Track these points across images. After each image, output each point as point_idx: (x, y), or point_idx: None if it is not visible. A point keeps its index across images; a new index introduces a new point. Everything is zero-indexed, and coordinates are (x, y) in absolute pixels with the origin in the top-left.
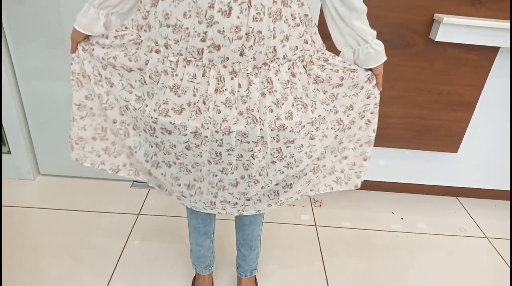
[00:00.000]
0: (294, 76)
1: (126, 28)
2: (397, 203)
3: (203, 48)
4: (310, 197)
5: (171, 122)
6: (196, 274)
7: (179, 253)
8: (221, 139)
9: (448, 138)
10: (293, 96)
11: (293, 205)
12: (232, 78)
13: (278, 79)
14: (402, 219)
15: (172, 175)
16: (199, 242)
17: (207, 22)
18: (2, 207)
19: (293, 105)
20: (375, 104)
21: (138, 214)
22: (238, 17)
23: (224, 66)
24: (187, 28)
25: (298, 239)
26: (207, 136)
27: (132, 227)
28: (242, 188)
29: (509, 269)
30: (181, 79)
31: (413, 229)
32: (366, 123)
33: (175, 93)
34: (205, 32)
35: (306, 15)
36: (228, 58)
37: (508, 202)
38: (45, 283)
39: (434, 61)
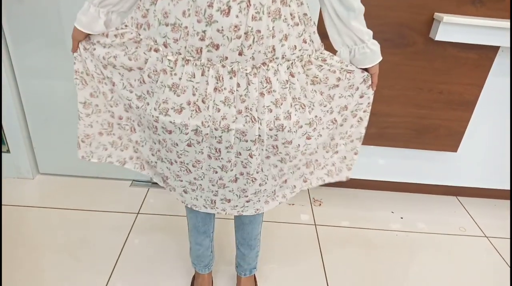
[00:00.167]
0: (293, 76)
1: (126, 26)
2: (396, 202)
3: (201, 47)
4: (309, 196)
5: (171, 122)
6: (196, 273)
7: (179, 252)
8: (220, 137)
9: (448, 138)
10: (292, 97)
11: (293, 204)
12: (231, 78)
13: (277, 79)
14: (401, 218)
15: (174, 171)
16: (199, 241)
17: (206, 21)
18: (2, 206)
19: (291, 105)
20: (368, 103)
21: (138, 213)
22: (237, 16)
23: (223, 66)
24: (186, 27)
25: (298, 238)
26: (207, 134)
27: (132, 226)
28: (241, 184)
29: (508, 268)
30: (180, 79)
31: (413, 228)
32: (358, 121)
33: (174, 93)
34: (204, 31)
35: (305, 14)
36: (227, 58)
37: (508, 201)
38: (45, 282)
39: (434, 60)
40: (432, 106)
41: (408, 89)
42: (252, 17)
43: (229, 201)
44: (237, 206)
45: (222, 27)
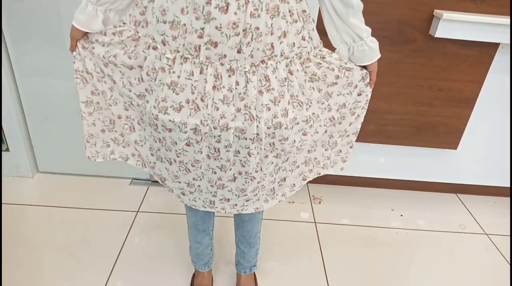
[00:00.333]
0: (291, 74)
1: (124, 23)
2: (396, 200)
3: (200, 45)
4: (309, 194)
5: (170, 120)
6: (196, 271)
7: (178, 250)
8: (219, 136)
9: (448, 135)
10: (290, 94)
11: (293, 202)
12: (229, 76)
13: (276, 77)
14: (401, 216)
15: (172, 172)
16: (198, 239)
17: (204, 18)
18: (2, 205)
19: (289, 102)
20: (366, 101)
21: (137, 212)
22: (235, 13)
23: (222, 64)
24: (184, 25)
25: (298, 236)
26: (206, 133)
27: (131, 225)
28: (239, 183)
29: (508, 265)
30: (178, 77)
31: (413, 226)
32: (356, 118)
33: (173, 91)
34: (202, 29)
35: (304, 11)
36: (225, 55)
37: (508, 199)
38: (44, 280)
39: (434, 57)
40: (432, 103)
41: (408, 87)
42: (250, 14)
43: (228, 200)
44: (236, 204)
45: (220, 24)
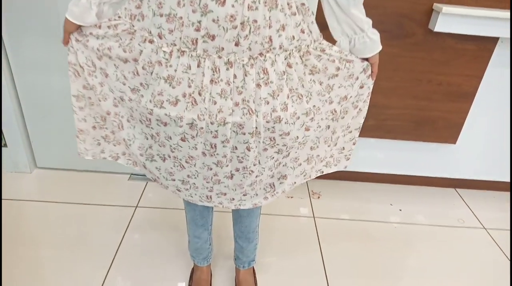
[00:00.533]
0: (290, 67)
1: (119, 17)
2: (395, 195)
3: (197, 38)
4: (308, 189)
5: (166, 114)
6: (195, 265)
7: (177, 245)
8: (216, 131)
9: (446, 130)
10: (289, 88)
11: (291, 197)
12: (227, 69)
13: (274, 70)
14: (400, 210)
15: (166, 169)
16: (197, 234)
17: (201, 11)
18: (0, 200)
19: (288, 96)
20: (368, 93)
21: (136, 207)
22: (233, 6)
23: (219, 57)
24: (181, 18)
25: (297, 231)
26: (202, 128)
27: (130, 220)
28: (237, 180)
29: (507, 259)
30: (175, 70)
31: (412, 221)
32: (358, 112)
33: (170, 85)
34: (199, 22)
35: (302, 4)
36: (223, 49)
37: (506, 193)
38: (43, 275)
39: (433, 51)
40: (431, 98)
41: (406, 81)
42: (248, 7)
43: (224, 194)
44: (234, 199)
45: (217, 17)
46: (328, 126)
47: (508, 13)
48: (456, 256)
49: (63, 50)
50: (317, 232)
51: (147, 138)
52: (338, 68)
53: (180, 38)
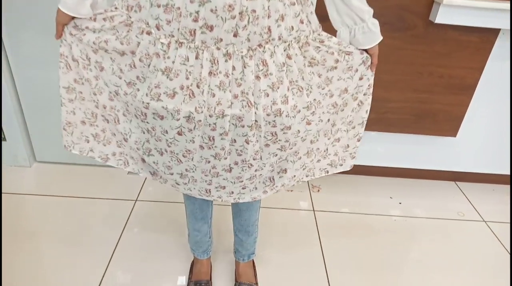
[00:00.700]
0: (290, 58)
1: (116, 8)
2: (395, 188)
3: (195, 29)
4: (308, 182)
5: (163, 107)
6: (194, 258)
7: (177, 238)
8: (215, 123)
9: (447, 123)
10: (289, 80)
11: (291, 191)
12: (226, 61)
13: (274, 62)
14: (400, 203)
15: (164, 163)
16: (197, 227)
17: (199, 1)
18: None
19: (288, 89)
20: (369, 85)
21: (136, 200)
22: None
23: (218, 48)
24: (178, 8)
25: (297, 224)
26: (200, 121)
27: (130, 213)
28: (236, 173)
29: (507, 252)
30: (173, 62)
31: (411, 214)
32: (359, 105)
33: (167, 77)
34: (197, 12)
35: None
36: (221, 40)
37: (506, 186)
38: (43, 269)
39: (434, 43)
40: (432, 90)
41: (407, 74)
42: None
43: (224, 187)
44: (233, 192)
45: (215, 7)
46: (328, 119)
47: (509, 4)
48: (456, 249)
49: None
50: (317, 225)
51: (144, 133)
52: (337, 61)
53: (178, 29)
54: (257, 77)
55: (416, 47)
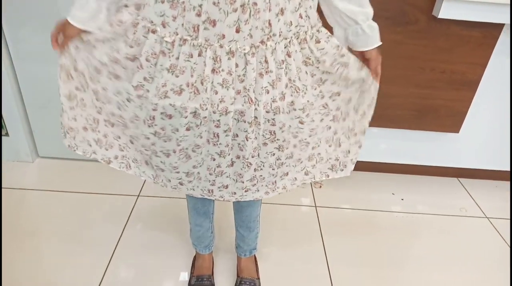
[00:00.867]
0: (289, 56)
1: (126, 6)
2: (397, 184)
3: (198, 25)
4: None
5: (171, 104)
6: (196, 253)
7: (179, 233)
8: (218, 120)
9: (449, 118)
10: (287, 77)
11: None
12: (229, 59)
13: (274, 59)
14: (402, 200)
15: (170, 164)
16: (199, 222)
17: None
18: (2, 189)
19: (286, 86)
20: (372, 98)
21: (138, 196)
22: None
23: (221, 46)
24: (183, 2)
25: (298, 220)
26: (205, 117)
27: (132, 208)
28: (237, 168)
29: (509, 248)
30: (177, 59)
31: (414, 210)
32: (361, 115)
33: (173, 74)
34: (200, 5)
35: None
36: (224, 36)
37: (509, 182)
38: (45, 264)
39: (437, 39)
40: (434, 86)
41: (409, 69)
42: None
43: (226, 186)
44: (235, 192)
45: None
46: (329, 127)
47: None
48: (458, 245)
49: None
50: (318, 222)
51: (148, 138)
52: (328, 73)
53: (183, 24)
54: (260, 74)
55: (418, 42)
